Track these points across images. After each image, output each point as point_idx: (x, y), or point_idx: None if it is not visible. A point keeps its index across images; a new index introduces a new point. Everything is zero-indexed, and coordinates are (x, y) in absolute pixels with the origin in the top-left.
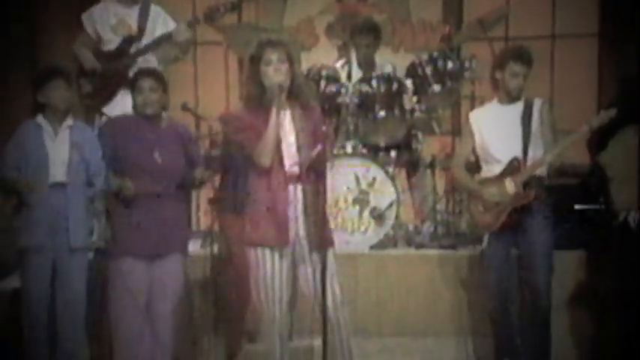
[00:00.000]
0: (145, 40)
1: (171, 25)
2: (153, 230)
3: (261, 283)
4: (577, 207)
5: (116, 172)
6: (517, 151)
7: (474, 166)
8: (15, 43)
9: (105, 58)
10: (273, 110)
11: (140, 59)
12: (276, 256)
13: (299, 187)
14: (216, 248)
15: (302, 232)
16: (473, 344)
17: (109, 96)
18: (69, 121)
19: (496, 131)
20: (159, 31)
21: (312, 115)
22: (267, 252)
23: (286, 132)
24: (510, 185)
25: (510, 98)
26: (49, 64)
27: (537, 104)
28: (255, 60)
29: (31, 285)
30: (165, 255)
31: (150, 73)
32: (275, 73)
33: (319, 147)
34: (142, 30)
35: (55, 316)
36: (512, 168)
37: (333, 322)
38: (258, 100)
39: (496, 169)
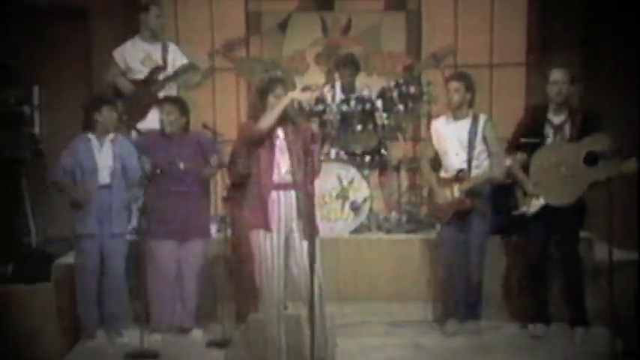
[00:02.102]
0: (169, 70)
1: (184, 60)
2: (179, 220)
3: (263, 264)
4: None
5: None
6: (463, 160)
7: (437, 163)
8: (70, 63)
9: (135, 85)
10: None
11: (167, 84)
12: (273, 242)
13: (293, 192)
14: (229, 233)
15: (294, 226)
16: (431, 308)
17: (141, 115)
18: (111, 136)
19: (448, 141)
20: (177, 64)
21: (304, 134)
22: (267, 237)
23: (282, 147)
24: (456, 191)
25: (455, 112)
26: (101, 95)
27: (482, 121)
28: (265, 91)
29: (84, 262)
30: (189, 239)
31: (169, 99)
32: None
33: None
34: (165, 62)
35: (103, 285)
36: (459, 177)
37: (316, 295)
38: None
39: (449, 173)
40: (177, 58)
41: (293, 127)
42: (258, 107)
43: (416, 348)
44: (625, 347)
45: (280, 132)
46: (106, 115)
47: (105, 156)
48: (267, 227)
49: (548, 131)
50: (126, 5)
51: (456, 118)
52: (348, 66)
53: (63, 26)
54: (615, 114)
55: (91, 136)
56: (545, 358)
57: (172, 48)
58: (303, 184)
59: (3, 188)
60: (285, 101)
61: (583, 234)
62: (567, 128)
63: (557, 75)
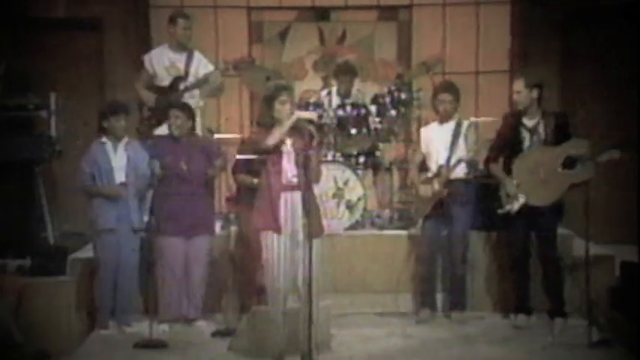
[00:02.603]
0: (190, 79)
1: (210, 68)
2: (187, 218)
3: (271, 263)
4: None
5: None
6: (445, 157)
7: (425, 166)
8: (85, 71)
9: (159, 92)
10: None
11: (187, 94)
12: (281, 242)
13: (298, 193)
14: (232, 230)
15: (299, 226)
16: (419, 298)
17: (159, 122)
18: (126, 140)
19: (435, 143)
20: (201, 72)
21: (305, 140)
22: (275, 238)
23: (289, 153)
24: (435, 185)
25: (443, 119)
26: (114, 101)
27: (465, 125)
28: (271, 99)
29: (105, 256)
30: (196, 236)
31: (176, 105)
32: (284, 108)
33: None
34: (187, 72)
35: (117, 278)
36: (439, 172)
37: (314, 290)
38: (269, 125)
39: (431, 172)
40: (201, 67)
41: (298, 135)
42: (265, 113)
43: (406, 338)
44: (600, 337)
45: (287, 140)
46: (114, 123)
47: (119, 158)
48: (277, 229)
49: (525, 134)
50: (137, 19)
51: (442, 122)
52: (346, 73)
53: (78, 37)
54: (593, 117)
55: (105, 140)
56: (526, 347)
57: (197, 57)
58: (307, 185)
59: (21, 187)
60: (292, 118)
61: (562, 231)
62: (541, 129)
63: (516, 85)
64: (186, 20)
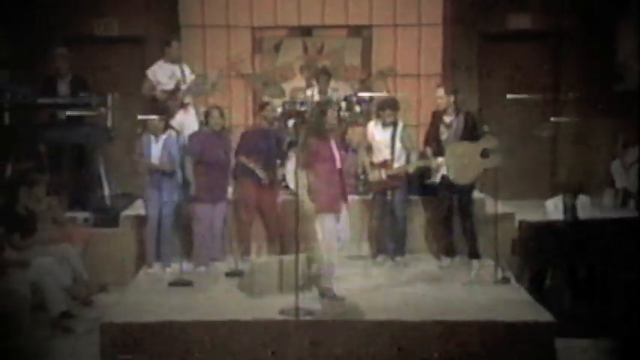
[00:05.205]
0: (186, 83)
1: (191, 76)
2: (215, 190)
3: (326, 242)
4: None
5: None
6: (388, 154)
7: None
8: (132, 77)
9: (166, 94)
10: None
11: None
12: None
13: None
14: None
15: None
16: (375, 246)
17: (170, 115)
18: (165, 134)
19: (377, 140)
20: (188, 79)
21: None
22: (334, 220)
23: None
24: (383, 174)
25: (387, 123)
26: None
27: (400, 127)
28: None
29: (150, 213)
30: (219, 202)
31: (215, 107)
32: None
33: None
34: (184, 78)
35: (160, 231)
36: (385, 164)
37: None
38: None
39: (377, 160)
40: (188, 75)
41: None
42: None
43: (365, 277)
44: (503, 276)
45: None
46: (149, 121)
47: (158, 147)
48: (337, 210)
49: (443, 128)
50: (171, 35)
51: (384, 125)
52: (324, 75)
53: (127, 50)
54: (501, 117)
55: (149, 134)
56: (450, 284)
57: (186, 67)
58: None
59: (87, 163)
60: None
61: (479, 195)
62: (454, 124)
63: (438, 92)
64: (178, 43)
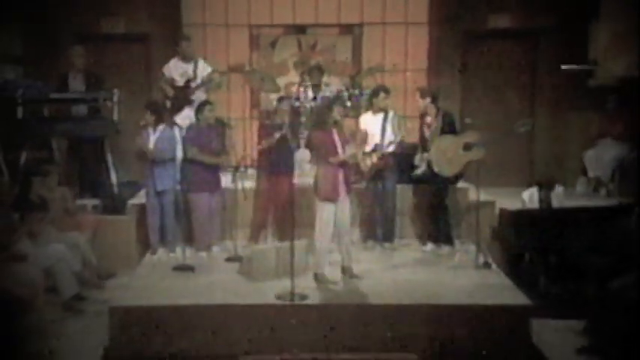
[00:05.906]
0: (198, 81)
1: (208, 69)
2: (212, 180)
3: (325, 227)
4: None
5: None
6: (378, 139)
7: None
8: (137, 73)
9: (177, 89)
10: None
11: (197, 90)
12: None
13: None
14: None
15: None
16: (365, 232)
17: (178, 110)
18: (162, 127)
19: (370, 127)
20: (204, 74)
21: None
22: (332, 207)
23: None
24: (373, 157)
25: (376, 111)
26: (153, 101)
27: (391, 114)
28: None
29: (152, 203)
30: (215, 191)
31: (207, 102)
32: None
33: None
34: (195, 75)
35: (162, 219)
36: (376, 148)
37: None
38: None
39: (370, 147)
40: (204, 70)
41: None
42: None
43: (356, 262)
44: (484, 261)
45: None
46: (146, 116)
47: (155, 139)
48: (335, 199)
49: (424, 127)
50: (174, 34)
51: (375, 112)
52: (316, 71)
53: (133, 48)
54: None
55: (149, 126)
56: (435, 268)
57: (201, 63)
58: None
59: (95, 153)
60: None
61: (463, 184)
62: (434, 124)
63: (416, 96)
64: (187, 41)
